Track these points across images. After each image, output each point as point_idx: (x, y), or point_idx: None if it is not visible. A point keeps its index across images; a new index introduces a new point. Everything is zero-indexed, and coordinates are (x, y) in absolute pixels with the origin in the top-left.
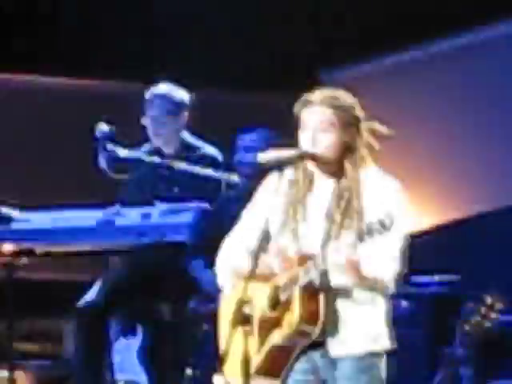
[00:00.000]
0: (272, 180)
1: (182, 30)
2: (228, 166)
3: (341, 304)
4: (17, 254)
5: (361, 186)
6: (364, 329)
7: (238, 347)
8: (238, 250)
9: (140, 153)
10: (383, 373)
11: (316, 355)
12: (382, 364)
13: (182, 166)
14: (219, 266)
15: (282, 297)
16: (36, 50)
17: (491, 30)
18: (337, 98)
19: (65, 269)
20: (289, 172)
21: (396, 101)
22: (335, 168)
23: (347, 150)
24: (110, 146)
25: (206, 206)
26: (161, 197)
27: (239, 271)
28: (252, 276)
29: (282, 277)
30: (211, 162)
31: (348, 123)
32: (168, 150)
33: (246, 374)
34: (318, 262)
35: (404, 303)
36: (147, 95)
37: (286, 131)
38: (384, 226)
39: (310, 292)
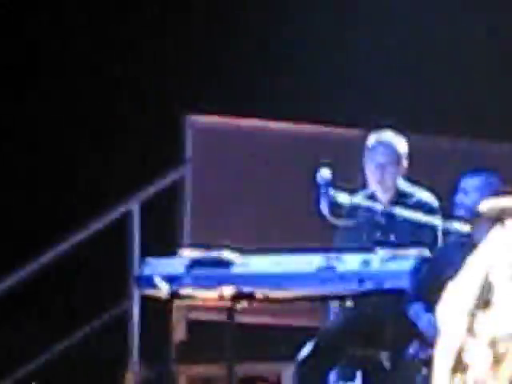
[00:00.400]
0: (500, 233)
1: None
2: (445, 213)
3: None
4: (237, 297)
5: None
6: None
7: None
8: (456, 301)
9: (360, 199)
10: None
11: None
12: None
13: (399, 212)
14: (440, 312)
15: (501, 348)
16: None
17: None
18: None
19: (284, 313)
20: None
21: None
22: None
23: None
24: (331, 192)
25: (426, 252)
26: (378, 243)
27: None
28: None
29: (504, 327)
30: (427, 208)
31: None
32: (384, 197)
33: None
34: None
35: None
36: (370, 142)
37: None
38: None
39: None
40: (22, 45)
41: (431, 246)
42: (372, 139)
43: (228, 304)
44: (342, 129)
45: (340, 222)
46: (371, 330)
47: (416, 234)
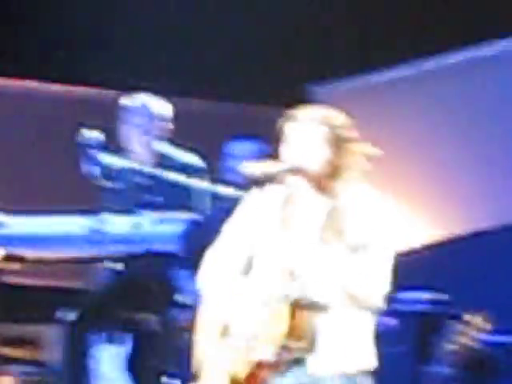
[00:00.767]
0: (257, 193)
1: (168, 40)
2: (215, 177)
3: (326, 321)
4: (6, 259)
5: (348, 204)
6: (350, 347)
7: (221, 362)
8: (221, 267)
9: (126, 161)
10: None
11: (301, 372)
12: (368, 381)
13: (165, 174)
14: (200, 280)
15: (270, 311)
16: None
17: (482, 49)
18: (328, 116)
19: (53, 275)
20: (275, 187)
21: (385, 118)
22: (322, 186)
23: (336, 168)
24: (99, 154)
25: (196, 216)
26: (146, 206)
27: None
28: (238, 290)
29: (267, 293)
30: (192, 170)
31: (338, 142)
32: (149, 159)
33: None
34: (304, 278)
35: (390, 320)
36: (125, 104)
37: (273, 146)
38: (372, 244)
39: (295, 308)
40: None
41: (198, 208)
42: (131, 101)
43: None
44: (108, 90)
45: (108, 184)
46: (140, 293)
47: (182, 197)
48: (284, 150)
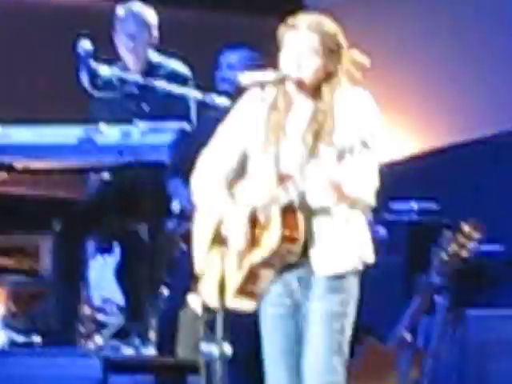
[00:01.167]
0: (251, 100)
1: None
2: (202, 86)
3: (320, 223)
4: None
5: (337, 108)
6: (344, 246)
7: (214, 267)
8: (212, 169)
9: (115, 70)
10: (356, 295)
11: (292, 278)
12: (356, 285)
13: (153, 83)
14: (194, 185)
15: (261, 216)
16: None
17: None
18: (323, 23)
19: (44, 185)
20: (268, 94)
21: (379, 26)
22: (313, 91)
23: (327, 75)
24: (92, 63)
25: (186, 126)
26: (136, 115)
27: (211, 192)
28: (229, 196)
29: (261, 197)
30: (180, 78)
31: (331, 50)
32: (137, 67)
33: (222, 294)
34: (297, 182)
35: (381, 230)
36: (118, 13)
37: (266, 54)
38: (365, 145)
39: (290, 211)
40: None
41: (185, 117)
42: (121, 10)
43: None
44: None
45: (98, 94)
46: (130, 202)
47: (171, 106)
48: (280, 57)
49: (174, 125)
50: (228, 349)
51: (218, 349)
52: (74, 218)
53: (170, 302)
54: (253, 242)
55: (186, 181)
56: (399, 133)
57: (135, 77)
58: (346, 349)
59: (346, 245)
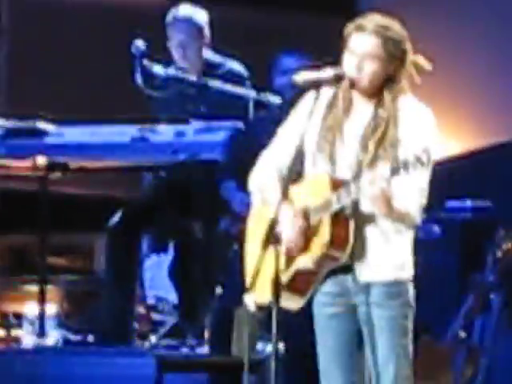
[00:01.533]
0: (309, 100)
1: None
2: (258, 86)
3: (369, 232)
4: (51, 167)
5: (398, 117)
6: (391, 257)
7: (268, 266)
8: (269, 168)
9: (172, 70)
10: (412, 297)
11: (347, 279)
12: (411, 289)
13: (210, 83)
14: (252, 185)
15: (313, 220)
16: None
17: None
18: (389, 28)
19: (98, 184)
20: (327, 93)
21: (434, 27)
22: (374, 96)
23: (389, 80)
24: (146, 63)
25: (239, 124)
26: (191, 114)
27: (267, 189)
28: (284, 196)
29: (314, 199)
30: (237, 78)
31: (395, 55)
32: (193, 71)
33: (277, 294)
34: (351, 190)
35: (436, 228)
36: (168, 19)
37: (316, 56)
38: (421, 162)
39: (341, 218)
40: None
41: (243, 117)
42: (170, 15)
43: (41, 174)
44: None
45: (154, 93)
46: (184, 201)
47: (227, 105)
48: (343, 58)
49: (228, 123)
50: (282, 347)
51: (272, 347)
52: (129, 217)
53: (224, 301)
54: (303, 244)
55: (240, 183)
56: (455, 130)
57: (191, 76)
58: (411, 350)
59: (392, 256)
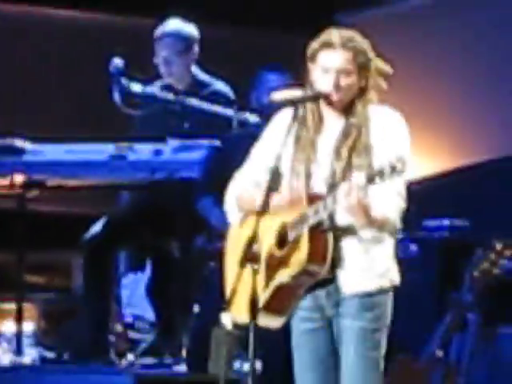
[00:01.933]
0: (283, 117)
1: None
2: (240, 104)
3: (348, 243)
4: (28, 185)
5: (369, 124)
6: (371, 266)
7: (245, 285)
8: (245, 183)
9: (153, 88)
10: (389, 310)
11: (321, 293)
12: (389, 301)
13: (193, 102)
14: (228, 201)
15: (290, 236)
16: None
17: None
18: (355, 39)
19: (75, 202)
20: (299, 112)
21: (409, 45)
22: (345, 107)
23: (360, 91)
24: (124, 81)
25: (217, 143)
26: (172, 133)
27: (245, 201)
28: (262, 212)
29: (291, 215)
30: (222, 98)
31: (365, 65)
32: (180, 86)
33: (254, 312)
34: (327, 203)
35: (413, 247)
36: (157, 34)
37: (294, 72)
38: (396, 172)
39: (319, 232)
40: None
41: (225, 136)
42: (159, 30)
43: (19, 192)
44: (136, 18)
45: (132, 112)
46: (161, 219)
47: (210, 124)
48: (314, 75)
49: (205, 142)
50: (259, 365)
51: (249, 365)
52: (105, 234)
53: (201, 319)
54: (281, 260)
55: (217, 199)
56: (431, 150)
57: (172, 95)
58: (381, 365)
59: (372, 265)
